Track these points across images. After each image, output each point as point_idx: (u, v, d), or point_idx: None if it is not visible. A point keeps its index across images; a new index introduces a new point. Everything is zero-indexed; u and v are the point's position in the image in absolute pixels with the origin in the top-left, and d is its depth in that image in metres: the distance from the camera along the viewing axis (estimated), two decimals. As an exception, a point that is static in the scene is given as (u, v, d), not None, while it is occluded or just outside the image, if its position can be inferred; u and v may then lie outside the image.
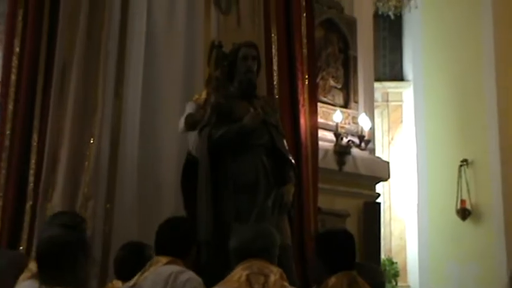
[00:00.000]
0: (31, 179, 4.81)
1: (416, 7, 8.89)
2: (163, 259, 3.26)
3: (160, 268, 3.23)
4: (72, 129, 4.89)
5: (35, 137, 4.88)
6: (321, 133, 6.09)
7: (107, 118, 5.07)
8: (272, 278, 2.95)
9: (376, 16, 8.50)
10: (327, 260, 3.10)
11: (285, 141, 4.73)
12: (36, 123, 4.89)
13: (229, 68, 4.71)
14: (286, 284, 2.99)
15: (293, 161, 4.69)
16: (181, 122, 4.74)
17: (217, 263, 3.97)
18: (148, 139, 5.23)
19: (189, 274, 3.23)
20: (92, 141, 4.91)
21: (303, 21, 5.94)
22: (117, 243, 4.80)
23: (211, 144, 4.36)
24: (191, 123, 4.69)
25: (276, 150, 4.54)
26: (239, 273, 2.97)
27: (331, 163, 6.25)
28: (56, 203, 4.72)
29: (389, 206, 10.13)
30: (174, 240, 3.37)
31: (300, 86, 5.80)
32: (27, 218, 4.74)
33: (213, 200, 4.27)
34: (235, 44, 4.75)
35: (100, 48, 5.10)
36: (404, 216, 10.20)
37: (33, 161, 4.84)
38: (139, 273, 3.25)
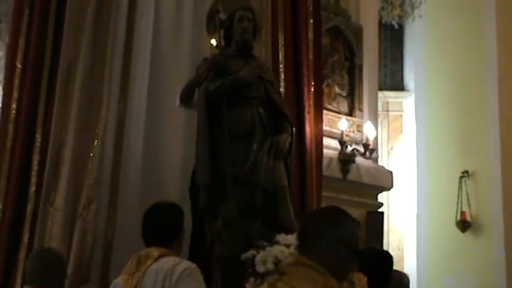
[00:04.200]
0: (33, 180, 4.72)
1: (420, 16, 8.85)
2: (155, 252, 3.23)
3: (155, 265, 3.18)
4: (76, 131, 4.79)
5: (38, 138, 4.79)
6: (325, 141, 6.03)
7: (112, 120, 4.99)
8: None
9: (379, 25, 8.45)
10: None
11: (280, 98, 4.88)
12: (39, 124, 4.81)
13: (226, 32, 4.80)
14: None
15: (288, 115, 4.77)
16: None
17: (214, 206, 4.25)
18: (153, 142, 5.16)
19: (183, 264, 3.21)
20: (96, 143, 4.83)
21: (310, 28, 5.91)
22: (119, 247, 4.74)
23: (208, 96, 4.45)
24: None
25: (271, 104, 4.65)
26: None
27: (335, 171, 6.19)
28: (59, 206, 4.64)
29: (388, 216, 10.04)
30: (164, 229, 3.34)
31: (305, 92, 5.77)
32: (27, 223, 4.65)
33: (210, 147, 4.36)
34: (232, 8, 4.83)
35: (106, 49, 5.02)
36: (403, 226, 10.14)
37: (35, 162, 4.75)
38: (129, 269, 3.23)
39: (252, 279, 3.89)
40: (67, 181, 4.70)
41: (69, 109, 4.82)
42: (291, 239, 3.94)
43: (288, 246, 3.91)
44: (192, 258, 4.03)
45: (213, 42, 4.97)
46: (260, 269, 3.82)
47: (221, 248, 4.22)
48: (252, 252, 3.93)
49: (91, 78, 4.94)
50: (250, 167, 4.33)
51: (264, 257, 3.84)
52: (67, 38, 4.91)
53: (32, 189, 4.70)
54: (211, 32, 4.95)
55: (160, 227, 3.36)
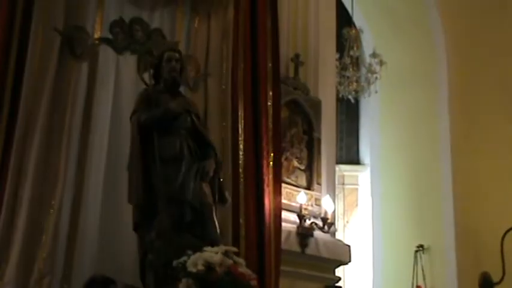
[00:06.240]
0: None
1: (376, 92, 9.04)
2: None
3: None
4: (30, 200, 4.67)
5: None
6: (284, 214, 5.98)
7: (68, 191, 4.90)
8: None
9: (336, 99, 8.58)
10: None
11: (207, 131, 5.26)
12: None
13: (156, 71, 5.18)
14: None
15: (213, 143, 5.14)
16: None
17: (147, 222, 4.68)
18: (110, 214, 5.07)
19: None
20: (51, 213, 4.71)
21: (270, 102, 5.93)
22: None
23: (140, 126, 4.81)
24: None
25: (197, 133, 5.02)
26: None
27: (293, 245, 6.11)
28: (9, 279, 4.46)
29: (344, 290, 9.99)
30: None
31: (265, 165, 5.74)
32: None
33: (143, 171, 4.74)
34: (160, 50, 5.29)
35: (64, 117, 5.00)
36: (358, 300, 10.07)
37: (-15, 233, 4.58)
38: None
39: (184, 280, 4.21)
40: (19, 253, 4.54)
41: (24, 179, 4.70)
42: (217, 249, 4.40)
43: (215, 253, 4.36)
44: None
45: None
46: (192, 269, 4.20)
47: (154, 256, 4.57)
48: (183, 258, 4.30)
49: (48, 147, 4.86)
50: (180, 186, 4.71)
51: (195, 260, 4.25)
52: (24, 105, 4.83)
53: (-19, 261, 4.53)
54: (141, 71, 5.41)
55: None
